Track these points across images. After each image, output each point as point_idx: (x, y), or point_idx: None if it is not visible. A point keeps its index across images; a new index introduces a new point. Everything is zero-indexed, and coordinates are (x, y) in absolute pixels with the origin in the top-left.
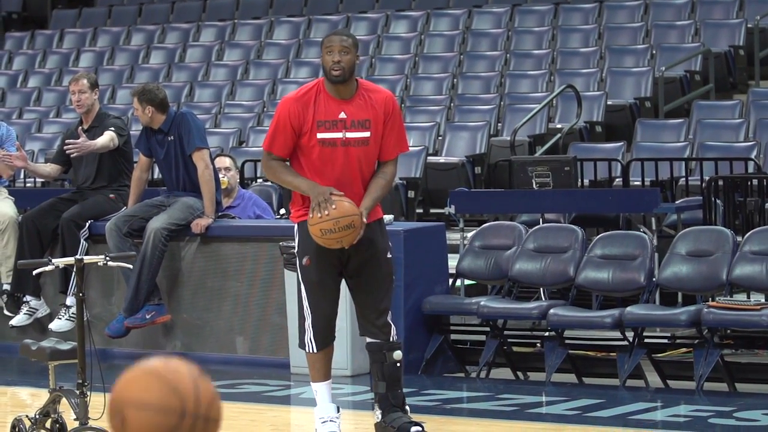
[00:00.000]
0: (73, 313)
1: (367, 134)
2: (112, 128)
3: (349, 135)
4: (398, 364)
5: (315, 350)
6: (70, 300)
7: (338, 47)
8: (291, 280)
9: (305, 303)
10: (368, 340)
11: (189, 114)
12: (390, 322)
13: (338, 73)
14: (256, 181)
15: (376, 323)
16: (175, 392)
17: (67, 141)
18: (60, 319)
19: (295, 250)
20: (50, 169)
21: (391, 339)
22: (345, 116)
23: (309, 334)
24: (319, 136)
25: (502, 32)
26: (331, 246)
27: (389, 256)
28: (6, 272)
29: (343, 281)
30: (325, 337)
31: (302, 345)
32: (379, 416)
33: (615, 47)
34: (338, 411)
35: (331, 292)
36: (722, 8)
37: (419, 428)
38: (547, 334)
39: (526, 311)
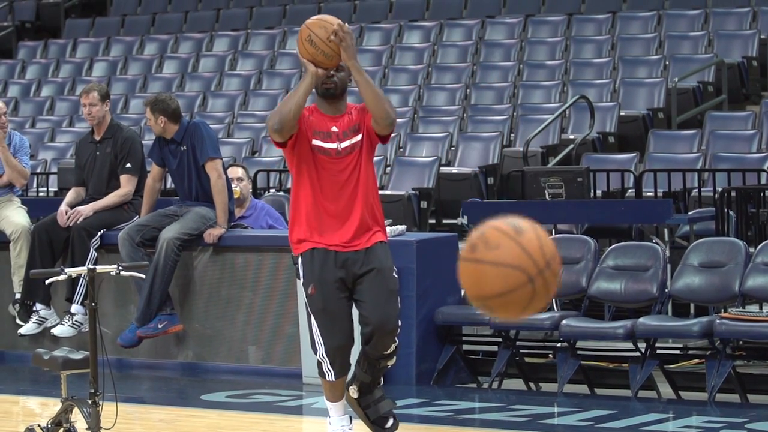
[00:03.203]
0: (76, 321)
1: (359, 137)
2: (129, 165)
3: (343, 144)
4: (388, 366)
5: (334, 379)
6: (74, 308)
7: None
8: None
9: (316, 334)
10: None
11: (202, 124)
12: (396, 339)
13: (330, 86)
14: (268, 191)
15: (383, 346)
16: (526, 253)
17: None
18: (63, 325)
19: (301, 282)
20: (76, 194)
21: (389, 352)
22: (337, 129)
23: (326, 363)
24: (314, 143)
25: (515, 43)
26: (323, 59)
27: (395, 275)
28: (18, 282)
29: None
30: (342, 365)
31: (321, 374)
32: (356, 394)
33: (628, 58)
34: (351, 422)
35: (340, 318)
36: (735, 19)
37: (392, 423)
38: (559, 344)
39: (539, 322)
